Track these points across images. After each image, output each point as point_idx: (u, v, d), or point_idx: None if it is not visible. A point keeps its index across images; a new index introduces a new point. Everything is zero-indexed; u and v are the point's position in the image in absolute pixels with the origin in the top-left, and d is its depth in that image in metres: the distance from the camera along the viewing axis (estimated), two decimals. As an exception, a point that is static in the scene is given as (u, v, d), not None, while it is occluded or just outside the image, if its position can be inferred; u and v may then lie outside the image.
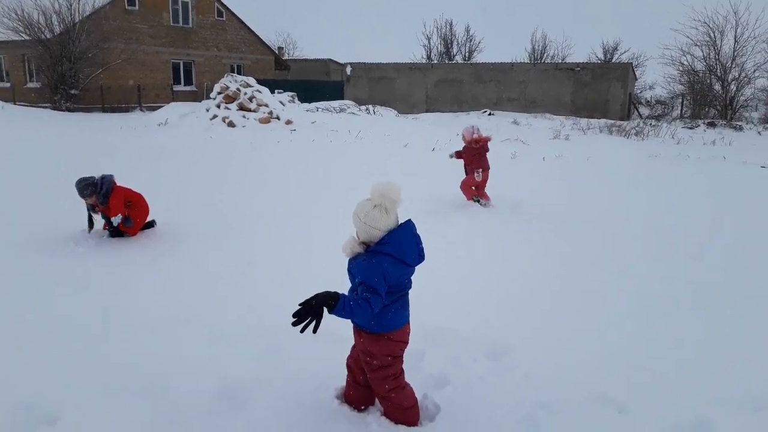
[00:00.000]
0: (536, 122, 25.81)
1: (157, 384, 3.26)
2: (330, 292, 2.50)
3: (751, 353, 3.82)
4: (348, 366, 3.05)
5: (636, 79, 37.86)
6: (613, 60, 43.81)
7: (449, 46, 47.03)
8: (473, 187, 7.98)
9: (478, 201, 7.99)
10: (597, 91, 31.31)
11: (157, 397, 3.15)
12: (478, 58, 45.94)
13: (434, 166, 11.81)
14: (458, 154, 8.16)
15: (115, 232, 6.04)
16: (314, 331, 2.45)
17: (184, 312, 4.25)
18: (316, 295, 2.47)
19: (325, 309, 2.46)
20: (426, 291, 4.70)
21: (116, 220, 5.95)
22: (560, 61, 42.37)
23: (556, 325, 4.19)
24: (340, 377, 3.19)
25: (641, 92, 40.83)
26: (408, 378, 3.32)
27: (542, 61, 44.21)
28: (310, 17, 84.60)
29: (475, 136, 7.86)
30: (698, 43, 30.37)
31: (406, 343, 2.89)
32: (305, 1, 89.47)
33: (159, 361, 3.50)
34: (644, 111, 34.73)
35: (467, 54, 46.90)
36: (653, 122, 25.14)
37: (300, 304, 2.45)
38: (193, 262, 5.47)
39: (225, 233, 6.46)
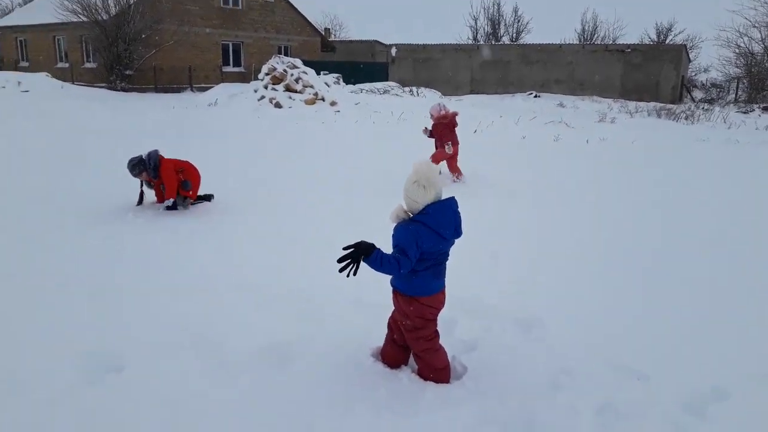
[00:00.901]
0: (583, 105, 25.35)
1: (210, 341, 3.58)
2: (368, 242, 2.82)
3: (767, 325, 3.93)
4: (389, 325, 3.32)
5: (690, 62, 36.55)
6: (667, 41, 42.33)
7: (496, 26, 46.33)
8: (440, 162, 8.21)
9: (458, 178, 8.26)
10: (648, 73, 30.41)
11: (210, 352, 3.47)
12: (526, 39, 45.14)
13: (476, 148, 11.91)
14: (429, 133, 8.51)
15: (172, 206, 6.46)
16: (354, 273, 2.77)
17: (234, 277, 4.58)
18: (357, 243, 2.80)
19: (363, 257, 2.77)
20: (464, 263, 4.95)
21: (169, 202, 6.40)
22: (611, 42, 41.21)
23: (583, 299, 4.36)
24: (374, 339, 3.46)
25: (695, 75, 39.38)
26: (440, 341, 3.58)
27: (592, 42, 43.08)
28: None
29: (442, 112, 8.30)
30: (757, 25, 29.06)
31: (438, 309, 3.13)
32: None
33: (211, 321, 3.84)
34: (698, 94, 33.56)
35: (515, 35, 46.11)
36: (705, 106, 24.36)
37: (343, 248, 2.77)
38: (245, 232, 5.82)
39: (274, 207, 6.81)
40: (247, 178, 8.29)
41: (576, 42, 42.09)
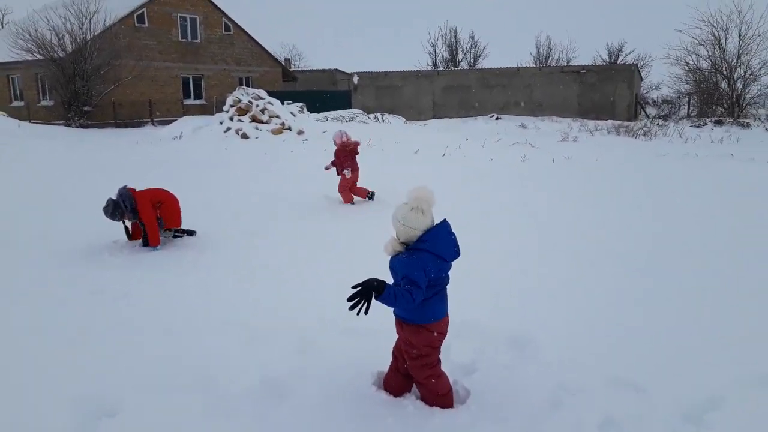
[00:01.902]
0: (543, 125, 26.00)
1: (204, 379, 3.49)
2: (378, 279, 2.75)
3: (759, 334, 4.03)
4: (393, 354, 3.30)
5: (642, 80, 37.98)
6: (618, 61, 43.97)
7: (454, 52, 47.34)
8: (348, 188, 8.68)
9: (370, 196, 8.73)
10: (603, 92, 31.48)
11: (206, 391, 3.38)
12: (484, 63, 46.24)
13: (446, 170, 12.06)
14: (333, 163, 8.80)
15: (145, 242, 6.28)
16: (366, 312, 2.69)
17: (221, 313, 4.49)
18: (366, 281, 2.72)
19: (373, 295, 2.70)
20: (450, 286, 4.97)
21: (151, 248, 6.20)
22: (565, 64, 42.58)
23: (573, 314, 4.43)
24: (373, 366, 3.43)
25: (647, 92, 40.93)
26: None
27: (547, 64, 44.41)
28: (314, 28, 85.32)
29: (344, 139, 8.66)
30: (703, 43, 30.46)
31: (444, 334, 3.13)
32: (309, 12, 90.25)
33: (203, 359, 3.74)
34: (651, 111, 34.85)
35: (472, 60, 47.20)
36: (660, 122, 25.27)
37: (353, 287, 2.71)
38: (225, 266, 5.72)
39: (251, 239, 6.72)
40: (222, 210, 8.18)
41: (532, 65, 43.31)
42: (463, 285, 4.95)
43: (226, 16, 30.16)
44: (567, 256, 5.97)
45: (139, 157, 14.36)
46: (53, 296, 4.90)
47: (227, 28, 30.35)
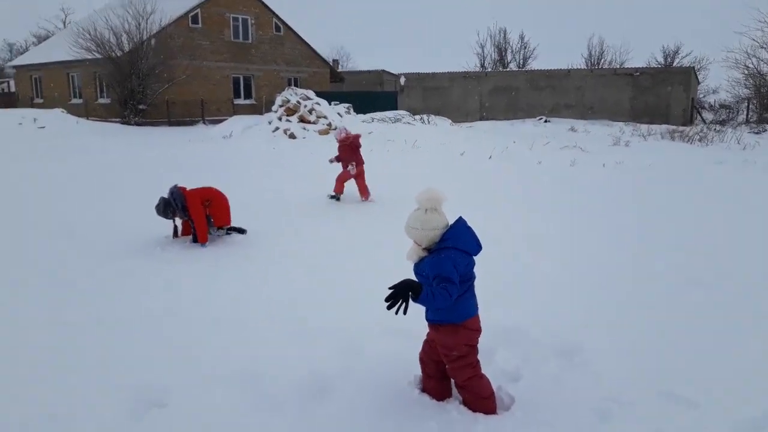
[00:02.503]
0: (594, 129, 25.39)
1: (251, 373, 3.55)
2: (413, 280, 2.76)
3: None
4: (420, 359, 3.28)
5: (699, 83, 36.67)
6: (674, 64, 42.57)
7: (503, 54, 46.84)
8: (345, 182, 8.89)
9: (337, 198, 8.91)
10: (657, 96, 30.51)
11: (253, 384, 3.44)
12: (533, 65, 45.59)
13: (493, 173, 11.92)
14: (337, 158, 8.99)
15: (195, 238, 6.42)
16: (405, 311, 2.68)
17: (268, 309, 4.56)
18: (403, 281, 2.73)
19: (411, 295, 2.70)
20: (493, 291, 4.89)
21: (200, 245, 6.31)
22: (618, 66, 41.48)
23: (624, 323, 4.30)
24: (417, 369, 3.41)
25: (704, 97, 39.50)
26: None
27: (599, 66, 43.39)
28: (363, 29, 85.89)
29: (343, 135, 8.86)
30: (764, 45, 29.17)
31: (480, 331, 3.11)
32: (358, 13, 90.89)
33: (250, 353, 3.81)
34: (708, 116, 33.56)
35: (522, 61, 46.57)
36: (718, 127, 24.31)
37: (390, 288, 2.70)
38: (272, 264, 5.80)
39: (299, 237, 6.81)
40: (271, 209, 8.30)
41: (584, 67, 42.41)
42: (510, 291, 4.92)
43: (277, 16, 30.64)
44: (619, 264, 5.80)
45: (191, 154, 14.73)
46: (108, 288, 5.08)
47: (278, 29, 30.84)
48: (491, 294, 4.85)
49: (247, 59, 29.70)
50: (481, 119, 33.12)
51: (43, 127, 20.45)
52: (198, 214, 6.27)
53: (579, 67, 40.01)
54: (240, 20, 29.13)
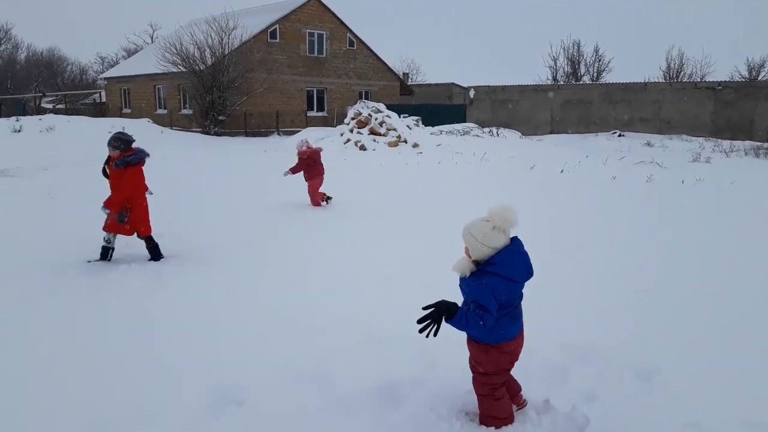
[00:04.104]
0: (672, 144, 24.43)
1: (325, 377, 3.68)
2: (449, 302, 2.73)
3: None
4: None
5: (789, 97, 34.52)
6: (760, 77, 40.30)
7: (576, 66, 45.84)
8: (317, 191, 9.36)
9: (329, 199, 9.47)
10: (741, 111, 28.98)
11: (326, 387, 3.57)
12: (608, 78, 44.35)
13: (564, 188, 11.72)
14: (292, 170, 9.42)
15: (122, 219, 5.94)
16: (435, 334, 2.69)
17: (340, 314, 4.70)
18: (438, 303, 2.72)
19: (444, 317, 2.70)
20: (566, 308, 4.85)
21: (105, 210, 5.95)
22: (699, 79, 39.70)
23: (706, 345, 4.14)
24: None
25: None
26: (553, 391, 3.49)
27: (679, 79, 41.68)
28: (433, 43, 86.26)
29: (304, 148, 9.28)
30: None
31: (515, 354, 3.04)
32: (429, 27, 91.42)
33: (324, 357, 3.94)
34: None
35: (595, 74, 45.41)
36: (809, 144, 22.82)
37: (423, 308, 2.72)
38: (342, 270, 5.96)
39: (369, 244, 6.94)
40: (342, 216, 8.52)
41: (662, 80, 40.89)
42: (585, 308, 4.86)
43: (351, 31, 31.38)
44: (698, 283, 5.58)
45: (265, 164, 15.28)
46: (192, 290, 5.37)
47: (351, 44, 31.56)
48: (564, 310, 4.84)
49: (320, 73, 30.53)
50: (551, 132, 32.53)
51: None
52: (123, 186, 5.85)
53: (656, 80, 38.58)
54: (315, 35, 30.04)
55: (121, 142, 5.87)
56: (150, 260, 6.16)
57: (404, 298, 5.09)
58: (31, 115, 30.45)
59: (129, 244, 6.41)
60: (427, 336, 2.68)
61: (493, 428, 3.08)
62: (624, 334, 4.31)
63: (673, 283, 5.63)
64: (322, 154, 9.57)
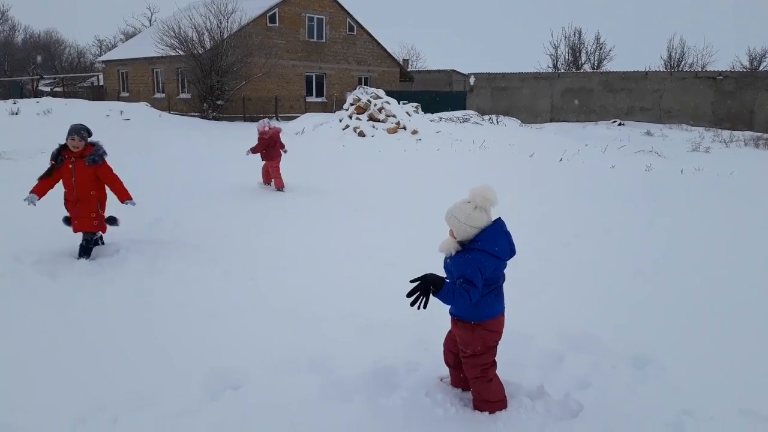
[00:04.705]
0: (672, 133, 24.40)
1: (321, 363, 3.70)
2: (436, 275, 2.79)
3: None
4: (443, 349, 3.38)
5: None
6: (761, 68, 40.15)
7: (577, 54, 45.60)
8: (268, 172, 9.56)
9: (267, 185, 9.60)
10: (742, 101, 28.93)
11: (323, 373, 3.59)
12: (608, 66, 44.15)
13: (563, 176, 11.71)
14: (253, 150, 9.53)
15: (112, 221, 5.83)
16: (424, 306, 2.75)
17: (342, 303, 4.70)
18: (425, 275, 2.78)
19: (432, 290, 2.75)
20: (561, 295, 4.87)
21: (131, 203, 5.71)
22: (700, 69, 39.56)
23: (703, 334, 4.16)
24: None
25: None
26: (548, 378, 3.52)
27: (680, 69, 41.51)
28: (433, 29, 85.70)
29: (266, 128, 9.42)
30: None
31: (499, 333, 3.11)
32: (429, 13, 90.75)
33: (321, 344, 3.95)
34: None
35: (596, 63, 45.21)
36: (809, 135, 22.78)
37: (411, 281, 2.77)
38: (341, 258, 5.96)
39: (365, 231, 6.95)
40: (340, 203, 8.52)
41: (662, 69, 40.73)
42: (580, 297, 4.88)
43: (351, 16, 31.13)
44: (696, 272, 5.60)
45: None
46: (190, 276, 5.37)
47: (351, 29, 31.33)
48: (561, 298, 4.86)
49: (320, 58, 30.34)
50: (551, 121, 32.45)
51: (129, 119, 21.68)
52: (117, 180, 5.69)
53: (657, 69, 38.45)
54: (315, 20, 29.81)
55: (88, 133, 5.52)
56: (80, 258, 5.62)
57: (402, 285, 5.08)
58: (28, 97, 30.27)
59: (129, 231, 6.39)
60: (418, 308, 2.74)
61: (487, 413, 3.11)
62: (620, 323, 4.33)
63: (671, 272, 5.66)
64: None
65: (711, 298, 4.93)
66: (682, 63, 43.72)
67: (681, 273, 5.62)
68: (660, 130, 25.45)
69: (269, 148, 9.45)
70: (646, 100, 31.42)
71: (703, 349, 3.92)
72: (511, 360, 3.56)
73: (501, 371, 3.19)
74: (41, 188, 5.49)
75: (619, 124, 28.84)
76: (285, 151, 9.68)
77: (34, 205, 5.43)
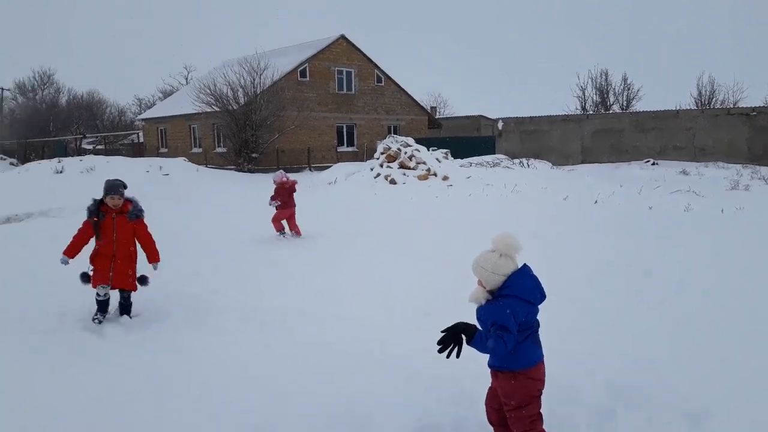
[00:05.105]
0: (708, 171, 23.93)
1: (363, 420, 3.64)
2: (467, 322, 2.81)
3: None
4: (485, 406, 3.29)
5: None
6: (797, 101, 39.46)
7: (605, 95, 45.66)
8: (282, 221, 9.97)
9: (283, 234, 9.96)
10: (779, 136, 28.37)
11: (366, 429, 3.53)
12: (637, 106, 44.01)
13: (598, 218, 11.55)
14: (273, 198, 9.96)
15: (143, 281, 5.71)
16: (457, 356, 2.76)
17: (381, 353, 4.65)
18: (456, 324, 2.79)
19: (464, 339, 2.75)
20: (611, 344, 4.72)
21: (157, 266, 5.68)
22: (732, 105, 39.08)
23: (760, 387, 3.96)
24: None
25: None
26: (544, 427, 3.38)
27: (711, 106, 41.09)
28: (460, 76, 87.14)
29: (284, 179, 10.01)
30: None
31: (542, 381, 3.04)
32: (455, 61, 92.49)
33: (361, 398, 3.89)
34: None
35: (625, 103, 45.14)
36: None
37: (442, 331, 2.78)
38: (382, 309, 5.92)
39: (405, 280, 6.92)
40: (374, 251, 8.54)
41: (693, 107, 40.39)
42: (624, 344, 4.73)
43: (379, 68, 31.94)
44: (753, 320, 5.36)
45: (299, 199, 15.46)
46: (227, 326, 5.41)
47: (379, 80, 32.10)
48: (604, 346, 4.71)
49: (350, 109, 31.05)
50: (583, 162, 32.27)
51: (168, 174, 22.34)
52: (150, 235, 5.71)
53: (688, 107, 38.13)
54: (344, 73, 30.67)
55: (125, 188, 5.52)
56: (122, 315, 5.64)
57: (439, 334, 5.04)
58: (72, 156, 31.54)
59: (168, 284, 6.50)
60: (447, 356, 2.76)
61: None
62: (668, 371, 4.17)
63: (725, 319, 5.40)
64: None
65: (763, 347, 4.72)
66: (713, 100, 43.31)
67: (737, 321, 5.36)
68: (695, 168, 25.03)
69: (284, 198, 9.90)
70: (679, 138, 31.08)
71: (762, 404, 3.73)
72: (561, 418, 3.45)
73: (552, 430, 3.09)
74: (73, 249, 5.49)
75: (653, 164, 28.50)
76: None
77: (67, 264, 5.50)
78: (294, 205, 10.02)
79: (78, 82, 79.38)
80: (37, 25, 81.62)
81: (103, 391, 4.10)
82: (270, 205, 10.05)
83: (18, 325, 5.47)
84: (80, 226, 5.54)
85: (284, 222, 10.02)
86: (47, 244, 8.95)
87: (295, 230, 10.01)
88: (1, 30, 77.91)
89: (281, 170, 10.68)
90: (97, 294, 5.45)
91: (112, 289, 5.51)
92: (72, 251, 5.48)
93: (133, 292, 5.70)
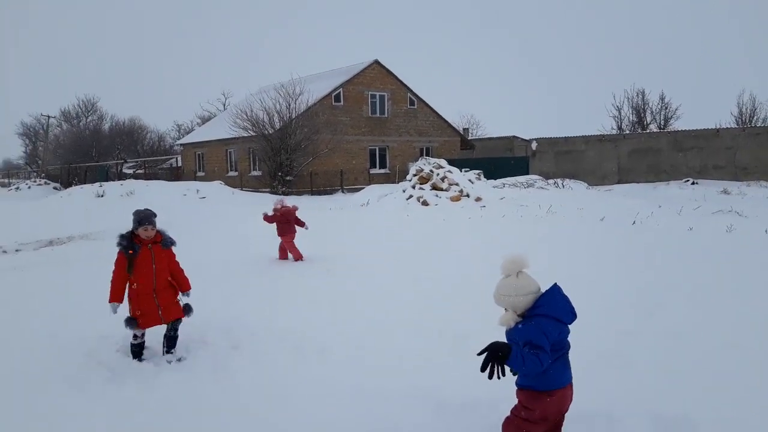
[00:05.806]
0: (750, 191, 23.26)
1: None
2: (501, 342, 2.80)
3: None
4: None
5: None
6: None
7: (642, 114, 44.96)
8: (284, 249, 10.00)
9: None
10: (826, 153, 27.44)
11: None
12: (676, 125, 43.21)
13: (637, 240, 11.29)
14: (265, 217, 10.08)
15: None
16: (502, 374, 2.75)
17: (414, 381, 4.59)
18: (491, 344, 2.79)
19: (501, 357, 2.74)
20: (653, 372, 4.57)
21: (185, 297, 5.36)
22: (775, 122, 38.03)
23: (744, 400, 3.78)
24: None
25: None
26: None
27: (752, 124, 40.03)
28: (492, 97, 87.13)
29: (278, 206, 9.97)
30: None
31: (563, 408, 3.03)
32: (487, 82, 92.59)
33: (393, 426, 3.85)
34: None
35: (663, 122, 44.35)
36: None
37: (478, 354, 2.78)
38: (414, 334, 5.87)
39: (441, 304, 6.86)
40: (410, 271, 8.50)
41: (734, 125, 39.43)
42: (667, 372, 4.57)
43: (411, 91, 32.23)
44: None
45: (332, 221, 15.58)
46: (265, 354, 5.43)
47: (411, 103, 32.36)
48: (651, 376, 4.55)
49: (382, 132, 31.33)
50: (619, 182, 31.73)
51: (204, 197, 22.83)
52: (178, 264, 5.37)
53: (728, 126, 37.23)
54: (377, 97, 31.06)
55: (148, 220, 5.08)
56: (167, 352, 5.29)
57: (475, 360, 4.96)
58: (113, 180, 32.53)
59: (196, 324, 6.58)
60: (490, 377, 2.76)
61: None
62: (716, 403, 4.00)
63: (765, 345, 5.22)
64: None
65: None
66: (755, 118, 42.23)
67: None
68: (737, 187, 24.34)
69: (283, 224, 9.91)
70: (719, 157, 30.34)
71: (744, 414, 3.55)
72: None
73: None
74: (118, 293, 5.00)
75: (693, 183, 27.84)
76: (306, 228, 10.13)
77: (117, 311, 4.99)
78: (292, 232, 9.97)
79: (120, 109, 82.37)
80: (83, 55, 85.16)
81: (142, 414, 4.15)
82: (263, 219, 10.12)
83: (62, 350, 5.58)
84: (113, 266, 5.05)
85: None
86: (90, 266, 9.21)
87: (294, 254, 9.93)
88: (50, 60, 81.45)
89: (281, 196, 10.68)
90: (134, 336, 5.11)
91: (165, 323, 5.18)
92: (116, 296, 4.99)
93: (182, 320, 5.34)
